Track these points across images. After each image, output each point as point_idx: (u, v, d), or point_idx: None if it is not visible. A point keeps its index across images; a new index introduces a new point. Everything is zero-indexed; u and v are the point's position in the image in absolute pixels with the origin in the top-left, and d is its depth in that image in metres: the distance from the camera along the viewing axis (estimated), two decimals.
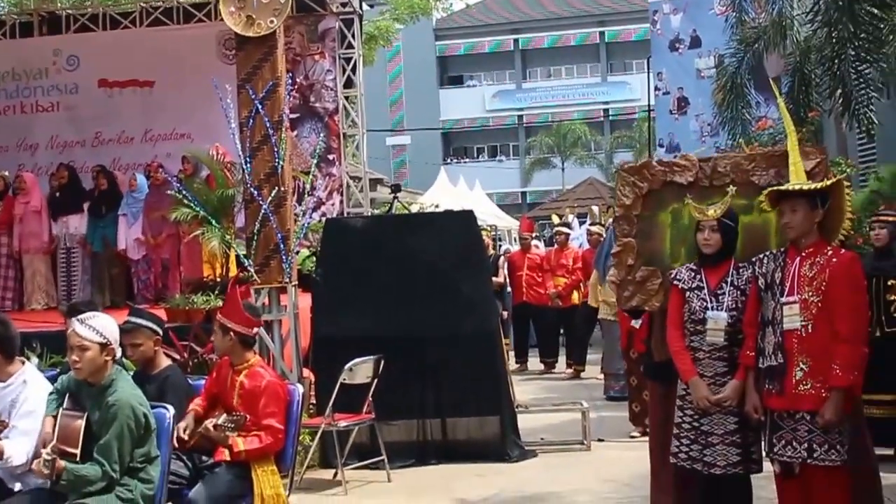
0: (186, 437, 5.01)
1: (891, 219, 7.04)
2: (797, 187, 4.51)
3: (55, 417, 4.58)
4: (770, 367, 4.53)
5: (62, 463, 4.32)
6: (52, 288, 11.05)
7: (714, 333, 4.81)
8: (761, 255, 4.75)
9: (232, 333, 5.24)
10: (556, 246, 12.65)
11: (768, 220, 4.97)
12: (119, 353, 4.66)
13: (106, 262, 10.82)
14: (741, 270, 4.91)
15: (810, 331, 4.43)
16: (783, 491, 4.62)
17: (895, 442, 6.92)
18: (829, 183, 4.57)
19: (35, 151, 12.36)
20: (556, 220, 13.85)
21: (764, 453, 4.82)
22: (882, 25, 11.78)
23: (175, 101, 11.82)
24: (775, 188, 4.58)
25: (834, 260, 4.47)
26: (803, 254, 4.53)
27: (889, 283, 6.79)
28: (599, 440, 8.03)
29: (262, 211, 7.56)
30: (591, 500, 6.46)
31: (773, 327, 4.54)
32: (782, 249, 4.68)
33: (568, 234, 12.81)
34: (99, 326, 4.53)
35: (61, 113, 12.40)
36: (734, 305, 4.82)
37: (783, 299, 4.51)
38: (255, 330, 5.53)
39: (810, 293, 4.45)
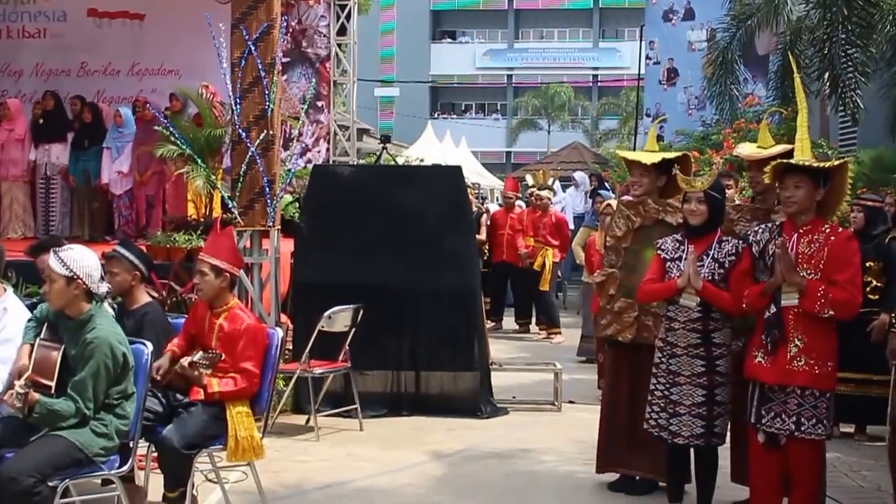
0: (159, 378, 4.96)
1: (869, 203, 7.14)
2: (806, 163, 4.54)
3: (32, 346, 4.50)
4: (764, 339, 4.57)
5: (35, 395, 4.24)
6: (30, 217, 10.98)
7: (688, 297, 4.88)
8: (756, 228, 4.81)
9: (227, 274, 5.16)
10: (529, 207, 12.60)
11: None
12: (101, 288, 4.49)
13: (86, 195, 10.73)
14: (723, 244, 4.97)
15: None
16: (760, 460, 4.68)
17: (859, 419, 7.07)
18: (836, 163, 4.64)
19: (19, 78, 12.14)
20: (530, 180, 13.63)
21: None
22: (874, 11, 11.84)
23: (165, 36, 11.61)
24: (785, 161, 4.61)
25: (832, 238, 4.52)
26: (801, 230, 4.57)
27: (867, 264, 6.87)
28: (570, 402, 8.10)
29: (250, 153, 7.51)
30: (559, 459, 6.54)
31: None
32: (777, 223, 4.73)
33: (550, 199, 12.73)
34: (67, 259, 4.40)
35: (48, 40, 12.13)
36: (710, 277, 4.89)
37: None
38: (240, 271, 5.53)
39: (808, 271, 4.50)
